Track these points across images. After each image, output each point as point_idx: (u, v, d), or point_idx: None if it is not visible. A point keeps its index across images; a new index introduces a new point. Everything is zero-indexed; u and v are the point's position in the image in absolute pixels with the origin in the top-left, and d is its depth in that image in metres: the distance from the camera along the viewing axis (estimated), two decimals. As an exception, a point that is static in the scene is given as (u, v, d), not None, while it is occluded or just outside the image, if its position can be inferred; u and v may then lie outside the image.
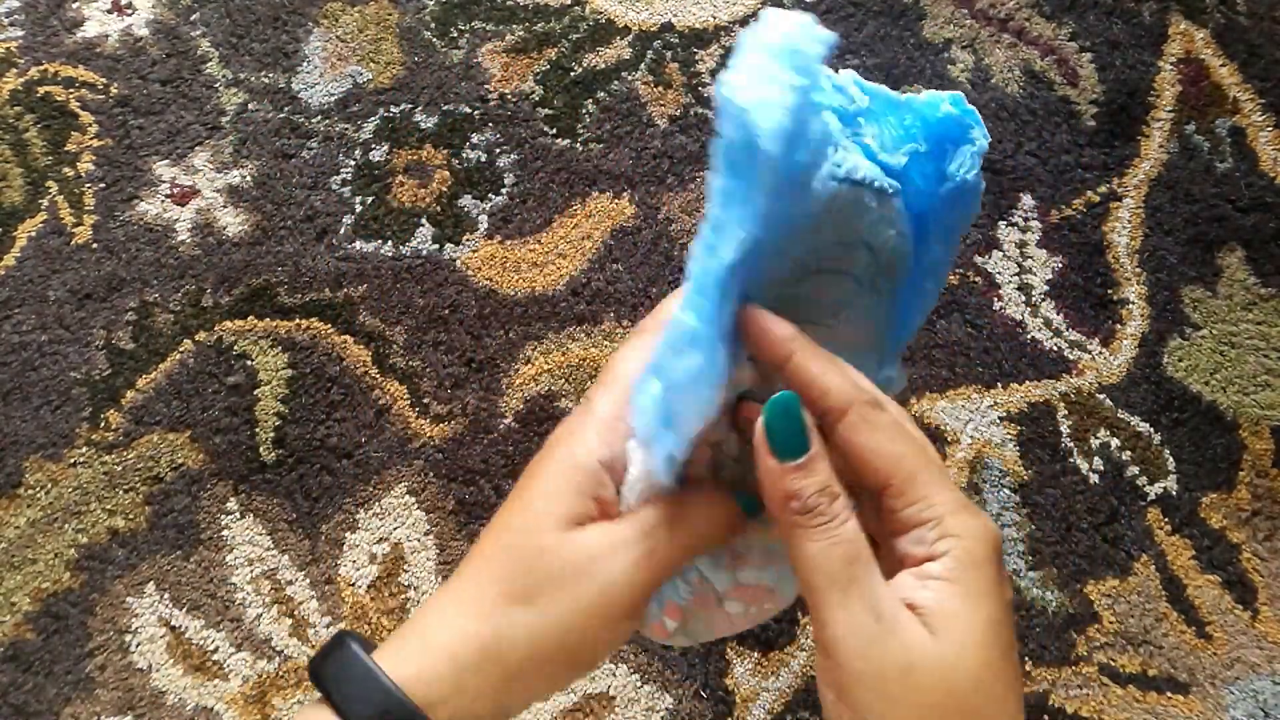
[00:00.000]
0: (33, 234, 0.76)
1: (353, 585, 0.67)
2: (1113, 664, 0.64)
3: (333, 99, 0.80)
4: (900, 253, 0.37)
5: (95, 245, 0.75)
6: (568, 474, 0.35)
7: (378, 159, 0.78)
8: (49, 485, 0.69)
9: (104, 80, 0.80)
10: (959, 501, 0.33)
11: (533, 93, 0.79)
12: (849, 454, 0.33)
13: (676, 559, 0.35)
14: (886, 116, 0.38)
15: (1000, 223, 0.75)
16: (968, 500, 0.33)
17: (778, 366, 0.34)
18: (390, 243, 0.75)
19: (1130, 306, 0.72)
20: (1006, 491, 0.67)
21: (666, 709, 0.62)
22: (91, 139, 0.79)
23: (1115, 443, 0.69)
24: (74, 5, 0.83)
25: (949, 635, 0.31)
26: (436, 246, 0.75)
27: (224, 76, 0.81)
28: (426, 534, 0.68)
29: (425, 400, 0.71)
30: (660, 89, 0.79)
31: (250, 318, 0.73)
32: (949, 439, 0.69)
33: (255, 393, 0.71)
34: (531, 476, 0.36)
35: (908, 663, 0.31)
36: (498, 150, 0.78)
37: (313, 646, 0.65)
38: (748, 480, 0.36)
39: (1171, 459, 0.69)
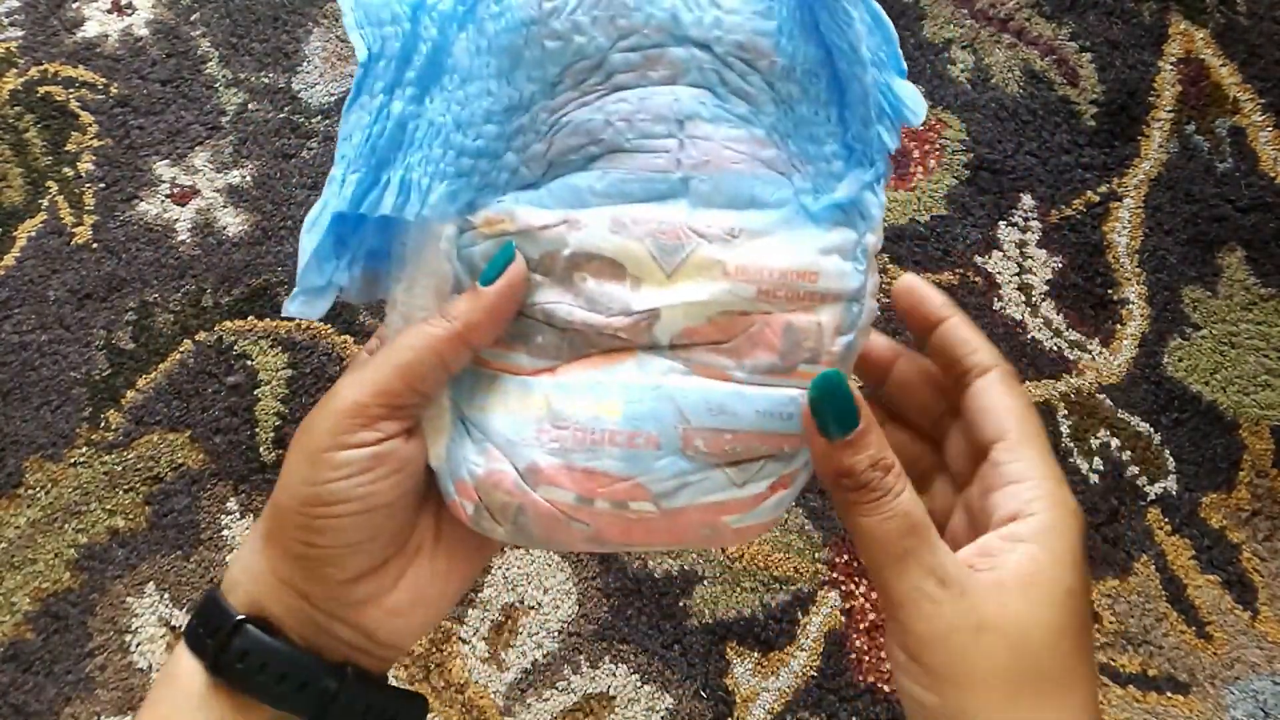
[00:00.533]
0: (33, 234, 0.76)
1: (353, 585, 0.67)
2: (1113, 664, 0.64)
3: (333, 99, 0.79)
4: (775, 39, 0.34)
5: (95, 245, 0.75)
6: (354, 364, 0.36)
7: (378, 159, 0.78)
8: (49, 485, 0.69)
9: (104, 80, 0.80)
10: (1060, 475, 0.33)
11: (533, 93, 0.79)
12: (977, 408, 0.35)
13: (395, 376, 0.33)
14: None
15: (1000, 223, 0.75)
16: (1065, 479, 0.34)
17: (929, 330, 0.36)
18: (390, 243, 0.75)
19: (1130, 306, 0.72)
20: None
21: (666, 709, 0.62)
22: (91, 139, 0.79)
23: (1115, 443, 0.69)
24: (74, 5, 0.83)
25: (1026, 597, 0.31)
26: (436, 246, 0.75)
27: (224, 76, 0.81)
28: (426, 534, 0.68)
29: (425, 400, 0.71)
30: None
31: (250, 317, 0.73)
32: (949, 439, 0.69)
33: (255, 393, 0.71)
34: None
35: (979, 622, 0.30)
36: (498, 150, 0.78)
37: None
38: (582, 349, 0.35)
39: (1171, 459, 0.69)
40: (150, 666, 0.65)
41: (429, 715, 0.65)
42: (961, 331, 0.36)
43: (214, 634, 0.32)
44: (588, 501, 0.34)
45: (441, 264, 0.34)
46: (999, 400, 0.34)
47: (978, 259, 0.73)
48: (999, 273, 0.73)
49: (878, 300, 0.35)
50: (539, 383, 0.35)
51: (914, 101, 0.34)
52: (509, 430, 0.35)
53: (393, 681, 0.37)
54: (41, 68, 0.81)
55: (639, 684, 0.63)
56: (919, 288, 0.37)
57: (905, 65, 0.35)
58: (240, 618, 0.32)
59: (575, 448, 0.34)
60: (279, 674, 0.32)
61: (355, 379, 0.33)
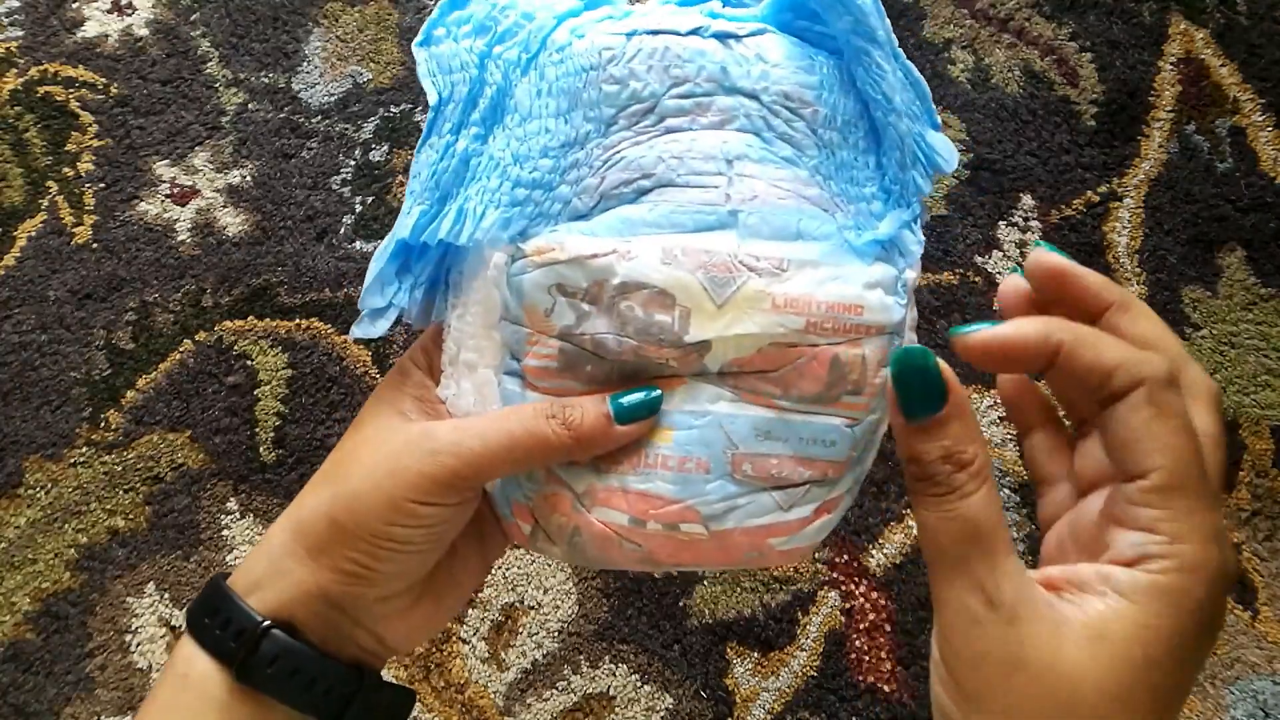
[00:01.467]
0: (33, 234, 0.76)
1: (353, 585, 0.67)
2: (1113, 664, 0.64)
3: (333, 99, 0.80)
4: (818, 91, 0.37)
5: (95, 245, 0.75)
6: (394, 378, 0.37)
7: (378, 159, 0.78)
8: (49, 485, 0.69)
9: (104, 80, 0.80)
10: (1210, 532, 0.28)
11: (533, 93, 0.79)
12: (1118, 433, 0.29)
13: (490, 460, 0.34)
14: None
15: (1000, 223, 0.75)
16: (1221, 530, 0.28)
17: (1049, 363, 0.30)
18: (390, 243, 0.75)
19: (1130, 306, 0.72)
20: (1006, 491, 0.67)
21: (666, 709, 0.62)
22: (91, 139, 0.79)
23: (1115, 443, 0.69)
24: (74, 5, 0.83)
25: (1088, 649, 0.27)
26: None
27: (224, 76, 0.81)
28: (426, 534, 0.68)
29: (425, 400, 0.71)
30: None
31: (250, 318, 0.73)
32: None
33: (255, 393, 0.71)
34: None
35: (1017, 657, 0.28)
36: (498, 150, 0.78)
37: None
38: (632, 376, 0.36)
39: (1171, 459, 0.69)
40: (150, 666, 0.65)
41: (430, 716, 0.65)
42: (1081, 361, 0.29)
43: (237, 637, 0.33)
44: (640, 523, 0.35)
45: (491, 290, 0.36)
46: (1144, 429, 0.29)
47: (978, 259, 0.73)
48: (999, 273, 0.73)
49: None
50: None
51: (946, 151, 0.37)
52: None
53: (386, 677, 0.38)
54: (41, 68, 0.81)
55: (639, 684, 0.63)
56: (1014, 336, 0.30)
57: (939, 120, 0.37)
58: (267, 623, 0.33)
59: (629, 471, 0.36)
60: (307, 679, 0.33)
61: (455, 442, 0.33)
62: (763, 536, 0.36)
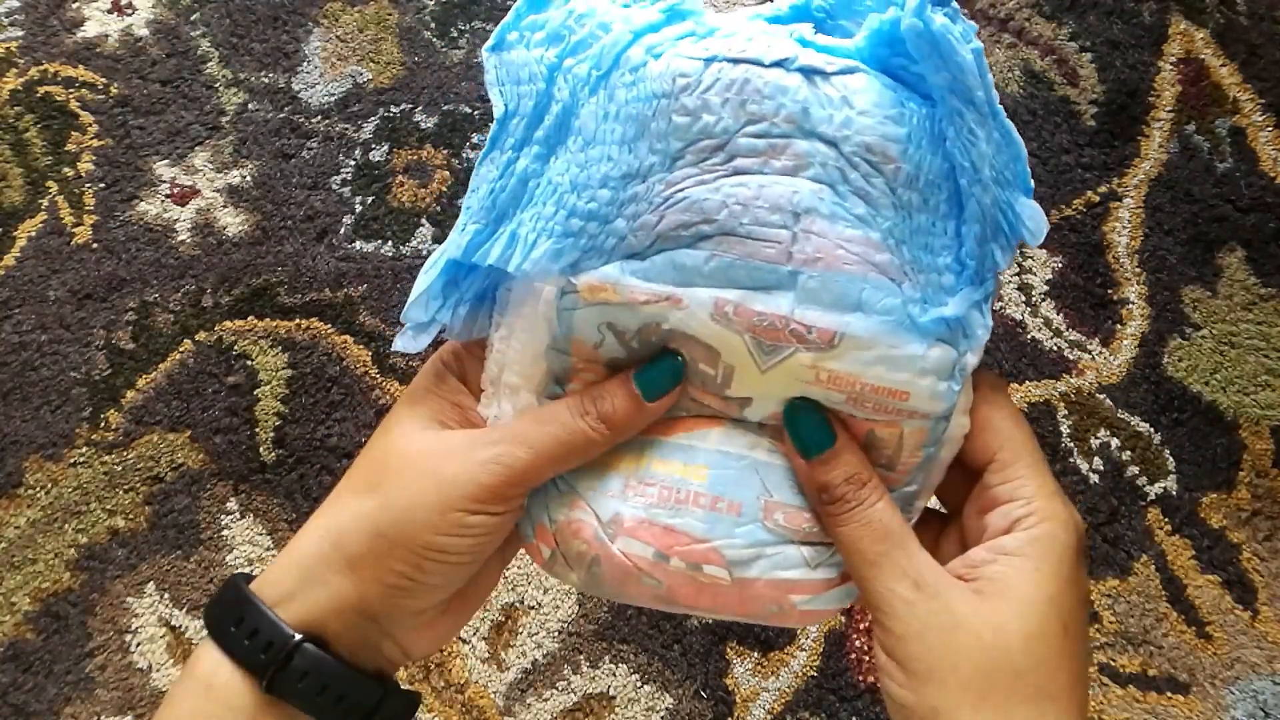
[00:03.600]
0: (33, 234, 0.76)
1: (353, 585, 0.67)
2: (1113, 664, 0.64)
3: (333, 99, 0.80)
4: (903, 146, 0.34)
5: (95, 245, 0.75)
6: (425, 382, 0.37)
7: (378, 159, 0.78)
8: (49, 485, 0.69)
9: (104, 80, 0.80)
10: (1053, 489, 0.33)
11: (533, 93, 0.79)
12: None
13: (537, 465, 0.34)
14: (846, 11, 0.37)
15: (1000, 223, 0.75)
16: (1061, 491, 0.34)
17: None
18: (390, 243, 0.75)
19: (1130, 306, 0.72)
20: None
21: (666, 709, 0.62)
22: (91, 139, 0.79)
23: (1115, 442, 0.69)
24: (74, 5, 0.83)
25: (1000, 600, 0.32)
26: (437, 246, 0.75)
27: (224, 76, 0.81)
28: (426, 534, 0.68)
29: (425, 400, 0.71)
30: None
31: (250, 318, 0.73)
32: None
33: (255, 393, 0.71)
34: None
35: (952, 623, 0.31)
36: (498, 150, 0.78)
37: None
38: (673, 409, 0.36)
39: (1171, 459, 0.69)
40: (150, 666, 0.65)
41: (430, 716, 0.65)
42: None
43: (266, 649, 0.33)
44: (664, 558, 0.35)
45: (540, 322, 0.35)
46: (985, 416, 0.34)
47: (978, 259, 0.74)
48: (998, 273, 0.73)
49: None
50: (627, 442, 0.36)
51: (1035, 222, 0.34)
52: (596, 482, 0.36)
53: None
54: (42, 68, 0.81)
55: (639, 684, 0.63)
56: None
57: (1032, 184, 0.34)
58: (299, 638, 0.33)
59: (660, 504, 0.35)
60: (336, 693, 0.34)
61: (503, 450, 0.34)
62: (786, 591, 0.35)
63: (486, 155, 0.35)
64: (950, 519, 0.36)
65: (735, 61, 0.34)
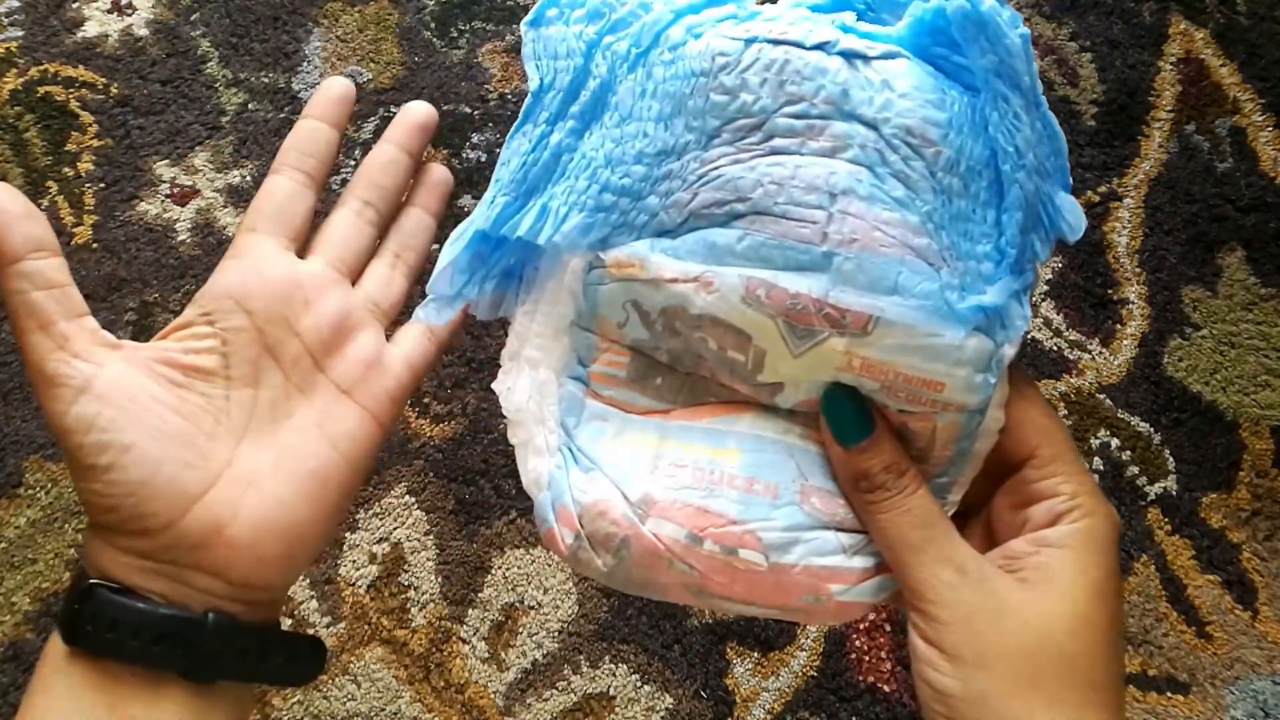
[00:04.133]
0: (33, 234, 0.76)
1: (353, 585, 0.67)
2: (1113, 664, 0.64)
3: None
4: (944, 130, 0.33)
5: (95, 245, 0.76)
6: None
7: (378, 159, 0.78)
8: (49, 485, 0.69)
9: (104, 80, 0.80)
10: (1093, 486, 0.33)
11: (533, 93, 0.79)
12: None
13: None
14: (887, 4, 0.36)
15: (1000, 223, 0.75)
16: (1099, 488, 0.34)
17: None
18: (390, 243, 0.75)
19: (1130, 306, 0.72)
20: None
21: (666, 709, 0.62)
22: (91, 139, 0.79)
23: (1115, 442, 0.69)
24: (74, 5, 0.83)
25: (1047, 588, 0.31)
26: (436, 246, 0.75)
27: (224, 76, 0.81)
28: (426, 534, 0.68)
29: (425, 400, 0.71)
30: None
31: (250, 318, 0.73)
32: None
33: (255, 393, 0.71)
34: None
35: (999, 608, 0.31)
36: (498, 150, 0.78)
37: (313, 646, 0.65)
38: (699, 398, 0.36)
39: (1171, 459, 0.69)
40: (150, 666, 0.65)
41: (430, 716, 0.65)
42: None
43: (66, 603, 0.32)
44: (697, 541, 0.33)
45: (565, 296, 0.35)
46: (1021, 413, 0.34)
47: (978, 259, 0.74)
48: (999, 273, 0.73)
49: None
50: (653, 422, 0.35)
51: (1074, 216, 0.33)
52: (624, 461, 0.34)
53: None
54: (41, 68, 0.81)
55: (639, 684, 0.63)
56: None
57: (1071, 180, 0.34)
58: (92, 581, 0.31)
59: (693, 484, 0.34)
60: (131, 629, 0.31)
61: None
62: (824, 580, 0.34)
63: (518, 128, 0.34)
64: (968, 515, 0.36)
65: (776, 43, 0.33)
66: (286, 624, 0.66)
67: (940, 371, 0.33)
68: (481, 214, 0.34)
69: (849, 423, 0.34)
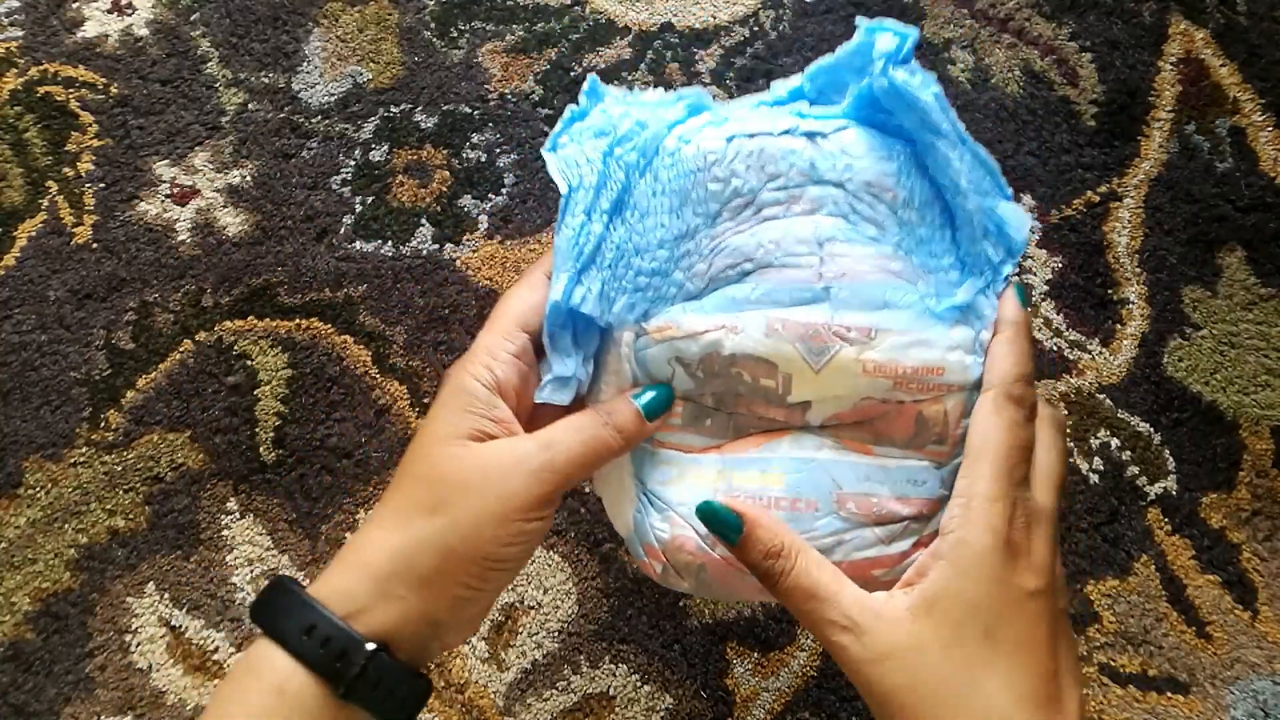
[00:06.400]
0: (33, 234, 0.76)
1: (353, 585, 0.67)
2: (1113, 664, 0.64)
3: (333, 99, 0.80)
4: (896, 177, 0.42)
5: (95, 245, 0.76)
6: (460, 398, 0.40)
7: (378, 159, 0.78)
8: (49, 485, 0.69)
9: (104, 80, 0.80)
10: (994, 492, 0.36)
11: (533, 93, 0.79)
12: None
13: (576, 468, 0.39)
14: (831, 89, 0.45)
15: (1000, 223, 0.75)
16: (1009, 494, 0.37)
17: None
18: (390, 243, 0.75)
19: (1130, 306, 0.72)
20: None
21: (666, 709, 0.62)
22: (91, 139, 0.79)
23: (1115, 443, 0.69)
24: (74, 5, 0.83)
25: (928, 617, 0.36)
26: (437, 246, 0.75)
27: (224, 76, 0.81)
28: (426, 534, 0.68)
29: (426, 400, 0.71)
30: (660, 89, 0.79)
31: (250, 318, 0.73)
32: (949, 439, 0.69)
33: (255, 393, 0.71)
34: (432, 408, 0.41)
35: (878, 654, 0.36)
36: (498, 150, 0.78)
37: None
38: (744, 429, 0.43)
39: (1171, 459, 0.69)
40: (150, 666, 0.65)
41: (430, 715, 0.65)
42: (993, 348, 0.40)
43: (341, 657, 0.36)
44: None
45: (622, 365, 0.42)
46: (975, 422, 0.38)
47: (978, 259, 0.74)
48: (999, 273, 0.73)
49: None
50: (709, 459, 0.42)
51: (1016, 220, 0.41)
52: (689, 499, 0.42)
53: None
54: (41, 68, 0.81)
55: (639, 684, 0.63)
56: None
57: (1010, 191, 0.42)
58: (373, 648, 0.37)
59: None
60: (401, 695, 0.38)
61: (548, 459, 0.39)
62: (867, 568, 0.40)
63: (561, 221, 0.41)
64: None
65: (751, 136, 0.42)
66: (286, 624, 0.66)
67: (936, 358, 0.40)
68: (554, 290, 0.40)
69: (724, 526, 0.40)
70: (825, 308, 0.41)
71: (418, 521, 0.38)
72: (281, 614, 0.37)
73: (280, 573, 0.67)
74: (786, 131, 0.42)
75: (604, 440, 0.40)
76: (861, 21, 0.42)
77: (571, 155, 0.43)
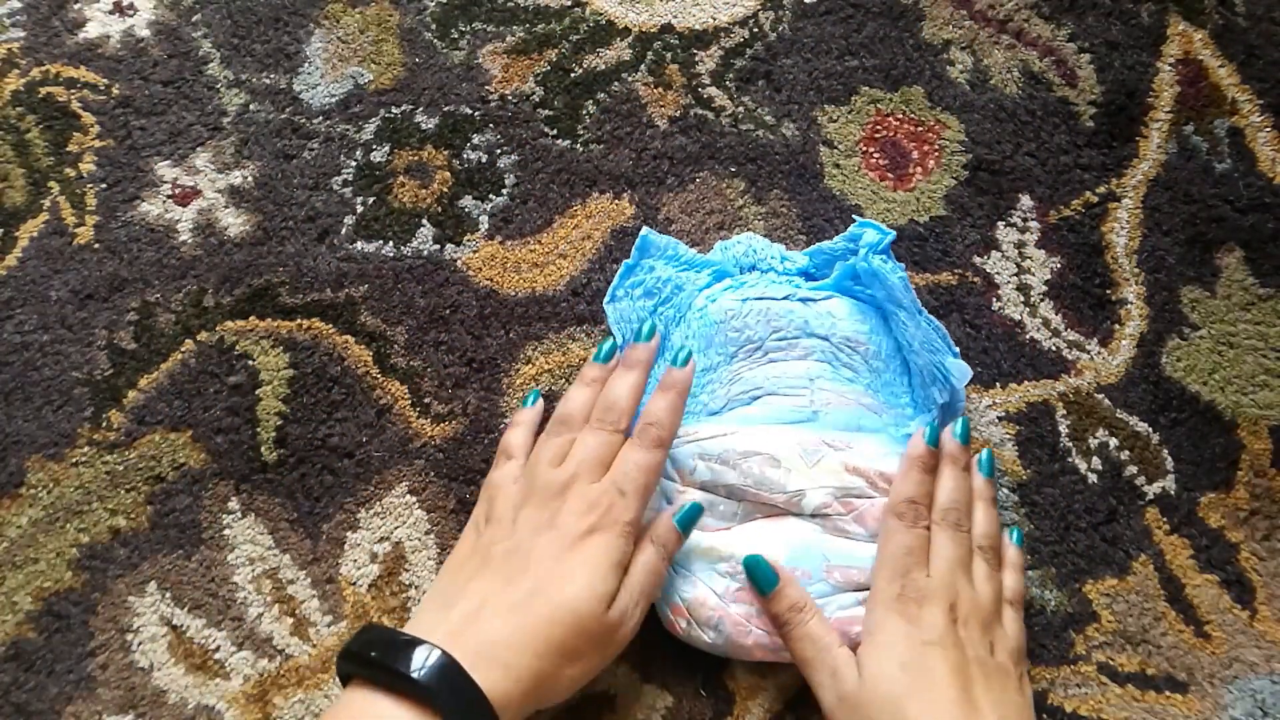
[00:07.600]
0: (34, 234, 0.76)
1: (354, 584, 0.67)
2: (1111, 663, 0.64)
3: (334, 100, 0.80)
4: (868, 335, 0.60)
5: (97, 245, 0.76)
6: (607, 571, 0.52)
7: (379, 160, 0.78)
8: (51, 485, 0.70)
9: (106, 81, 0.81)
10: (887, 580, 0.54)
11: (533, 94, 0.79)
12: None
13: (649, 599, 0.54)
14: (826, 268, 0.64)
15: (999, 223, 0.75)
16: (896, 580, 0.53)
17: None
18: (391, 243, 0.75)
19: (1129, 306, 0.73)
20: (1005, 491, 0.67)
21: (666, 707, 0.63)
22: (93, 139, 0.79)
23: (1114, 442, 0.69)
24: (76, 6, 0.83)
25: (875, 655, 0.50)
26: (437, 247, 0.75)
27: (225, 77, 0.81)
28: (427, 533, 0.68)
29: (426, 400, 0.71)
30: (660, 90, 0.79)
31: (252, 318, 0.73)
32: (948, 439, 0.69)
33: (256, 392, 0.71)
34: (567, 562, 0.51)
35: (854, 700, 0.50)
36: (498, 151, 0.78)
37: (314, 645, 0.65)
38: (749, 515, 0.58)
39: (1170, 459, 0.69)
40: (151, 666, 0.65)
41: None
42: (900, 472, 0.59)
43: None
44: (760, 613, 0.55)
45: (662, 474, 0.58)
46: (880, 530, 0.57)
47: (976, 259, 0.74)
48: (997, 273, 0.73)
49: None
50: (721, 537, 0.56)
51: (959, 373, 0.58)
52: (708, 568, 0.56)
53: None
54: (43, 68, 0.81)
55: (639, 683, 0.64)
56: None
57: (957, 350, 0.60)
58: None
59: None
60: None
61: (641, 602, 0.54)
62: (849, 625, 0.54)
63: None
64: None
65: (760, 299, 0.61)
66: (288, 622, 0.66)
67: (897, 465, 0.57)
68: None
69: (763, 578, 0.54)
70: (815, 426, 0.57)
71: (563, 664, 0.49)
72: (434, 674, 0.45)
73: (280, 572, 0.67)
74: (787, 297, 0.60)
75: (660, 566, 0.53)
76: (856, 218, 0.64)
77: (625, 310, 0.61)
